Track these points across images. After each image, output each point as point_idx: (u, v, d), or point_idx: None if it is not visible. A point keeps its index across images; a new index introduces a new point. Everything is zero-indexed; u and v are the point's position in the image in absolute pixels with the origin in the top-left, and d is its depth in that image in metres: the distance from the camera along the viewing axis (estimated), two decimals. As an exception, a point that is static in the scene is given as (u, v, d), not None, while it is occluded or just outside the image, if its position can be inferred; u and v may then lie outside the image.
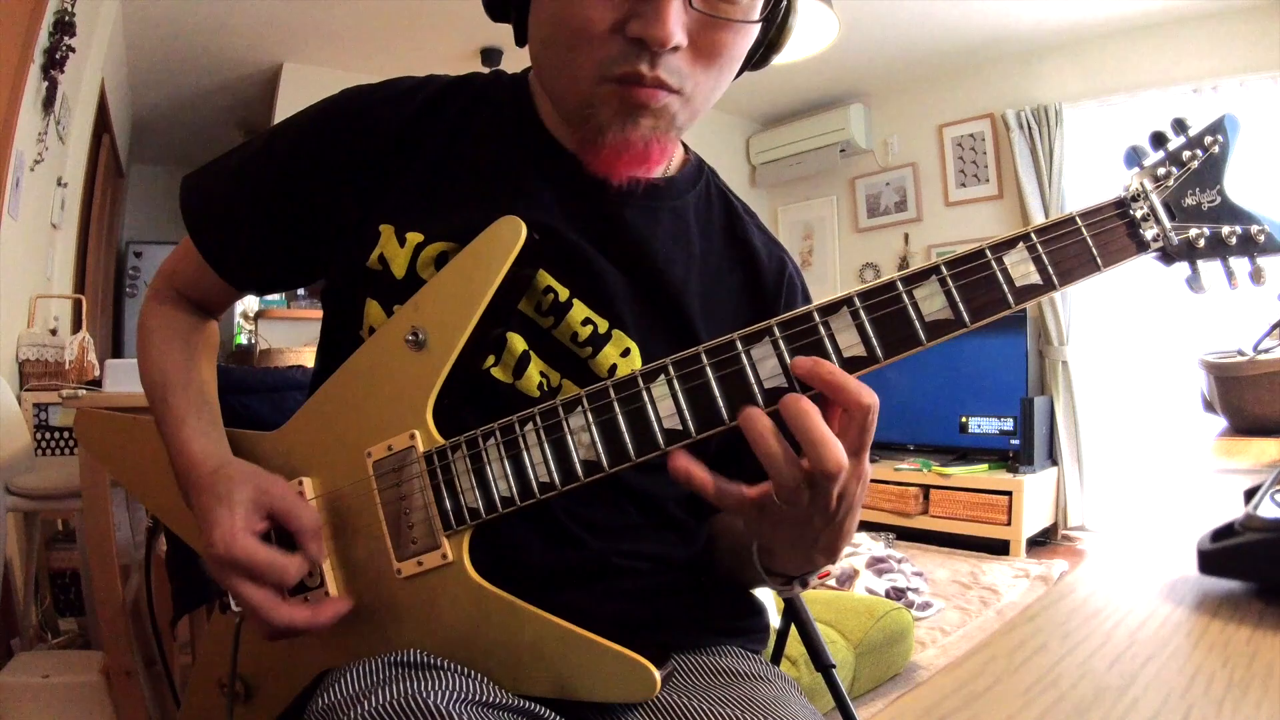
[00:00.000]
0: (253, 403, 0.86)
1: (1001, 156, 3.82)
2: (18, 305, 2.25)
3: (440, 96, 0.66)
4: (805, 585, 0.58)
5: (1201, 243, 0.49)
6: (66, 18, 2.17)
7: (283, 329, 3.53)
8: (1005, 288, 0.47)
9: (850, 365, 0.47)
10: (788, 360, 0.48)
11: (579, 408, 0.52)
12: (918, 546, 3.39)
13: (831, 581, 2.58)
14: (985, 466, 3.51)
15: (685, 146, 0.71)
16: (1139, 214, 0.48)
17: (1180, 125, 0.51)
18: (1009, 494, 3.28)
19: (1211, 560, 0.42)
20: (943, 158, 4.05)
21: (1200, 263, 0.50)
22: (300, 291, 3.67)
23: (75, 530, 2.07)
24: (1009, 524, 3.26)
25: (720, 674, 0.63)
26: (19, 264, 2.22)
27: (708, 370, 0.49)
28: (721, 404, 0.49)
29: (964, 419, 3.69)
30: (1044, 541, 3.53)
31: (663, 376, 0.50)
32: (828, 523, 0.47)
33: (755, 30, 0.57)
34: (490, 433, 0.54)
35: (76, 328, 2.67)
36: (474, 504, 0.54)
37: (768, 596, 1.05)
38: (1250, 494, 0.50)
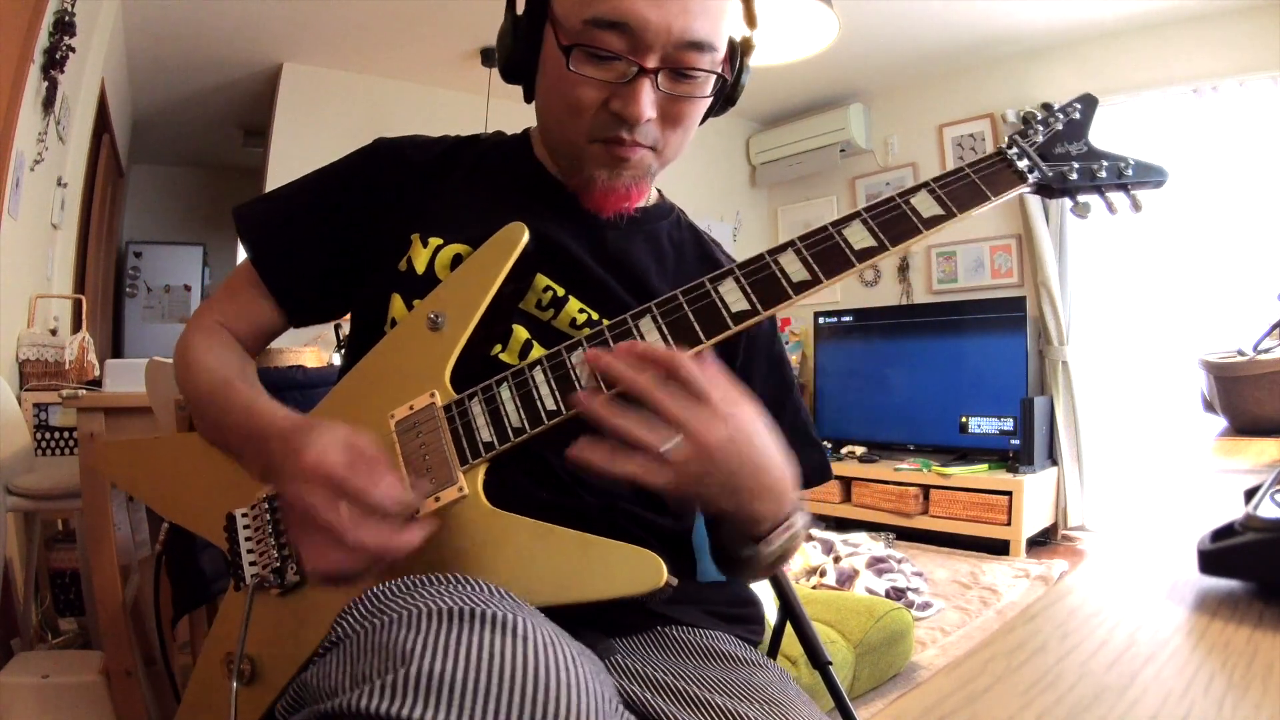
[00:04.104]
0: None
1: (1001, 156, 3.82)
2: (18, 305, 2.25)
3: (456, 147, 0.79)
4: (777, 551, 0.60)
5: (1074, 175, 0.63)
6: (66, 18, 2.17)
7: (283, 329, 3.52)
8: (914, 219, 0.60)
9: (799, 287, 0.59)
10: (749, 291, 0.59)
11: (580, 348, 0.60)
12: (918, 546, 3.39)
13: (831, 581, 2.58)
14: (985, 466, 3.51)
15: (659, 191, 0.84)
16: (1016, 157, 0.63)
17: (1047, 106, 0.68)
18: (1009, 494, 3.28)
19: (1211, 560, 0.42)
20: (943, 158, 4.05)
21: (1080, 196, 0.65)
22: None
23: (75, 530, 2.08)
24: (1009, 524, 3.26)
25: (719, 658, 0.66)
26: (19, 264, 2.22)
27: (684, 306, 0.60)
28: (699, 329, 0.59)
29: (964, 419, 3.69)
30: (1044, 541, 3.53)
31: (648, 315, 0.60)
32: (728, 460, 0.52)
33: (708, 101, 0.70)
34: (503, 379, 0.61)
35: (76, 328, 2.67)
36: (488, 438, 0.60)
37: (766, 595, 1.05)
38: (1250, 494, 0.50)
